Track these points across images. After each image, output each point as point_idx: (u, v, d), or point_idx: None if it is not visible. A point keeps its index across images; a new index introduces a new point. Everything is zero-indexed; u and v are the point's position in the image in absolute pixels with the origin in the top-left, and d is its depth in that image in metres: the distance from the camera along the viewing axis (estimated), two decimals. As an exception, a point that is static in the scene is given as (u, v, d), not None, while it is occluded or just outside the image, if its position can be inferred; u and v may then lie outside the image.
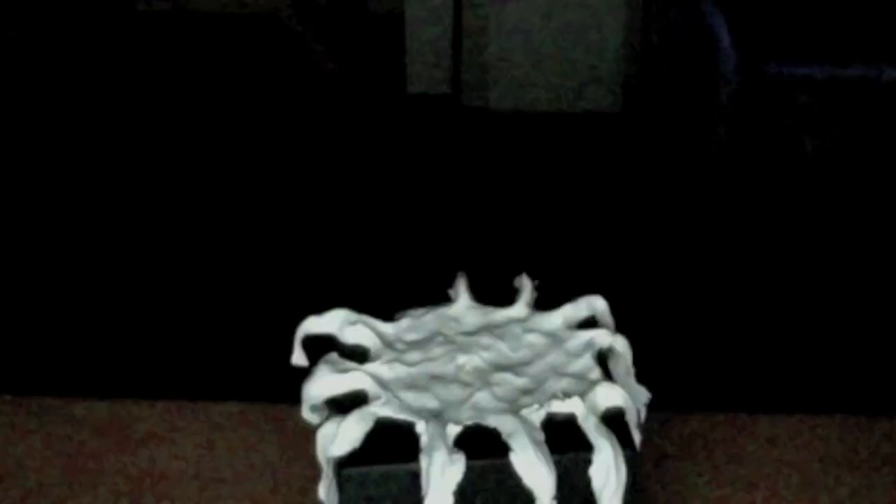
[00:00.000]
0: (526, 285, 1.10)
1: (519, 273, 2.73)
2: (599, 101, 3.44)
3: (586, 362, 0.98)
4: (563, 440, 0.93)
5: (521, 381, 0.95)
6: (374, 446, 0.92)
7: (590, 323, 1.04)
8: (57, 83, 3.58)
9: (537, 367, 0.98)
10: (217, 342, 2.48)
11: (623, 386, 0.96)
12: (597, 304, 1.03)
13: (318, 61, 3.64)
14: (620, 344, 0.98)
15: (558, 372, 0.97)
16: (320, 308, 2.62)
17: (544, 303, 1.08)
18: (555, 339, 1.02)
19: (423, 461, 0.88)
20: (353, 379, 0.97)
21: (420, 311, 1.07)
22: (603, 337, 1.00)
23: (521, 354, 1.00)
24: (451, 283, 2.77)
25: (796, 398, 2.28)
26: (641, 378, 2.35)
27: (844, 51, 2.83)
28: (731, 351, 2.46)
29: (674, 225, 2.92)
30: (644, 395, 0.95)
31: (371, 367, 0.99)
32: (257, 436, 1.21)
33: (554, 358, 0.99)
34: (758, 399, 2.28)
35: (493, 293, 1.22)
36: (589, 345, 1.00)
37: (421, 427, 0.91)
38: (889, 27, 2.94)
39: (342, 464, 0.90)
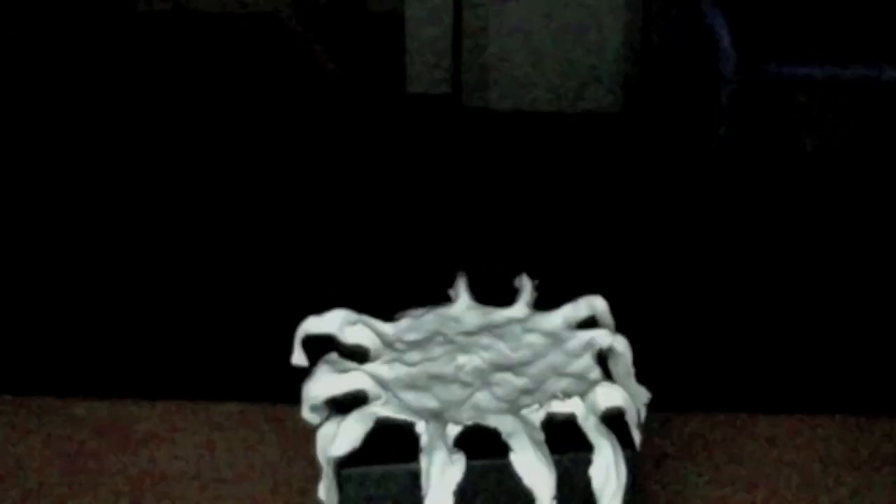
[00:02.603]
0: (526, 285, 1.10)
1: (519, 273, 2.73)
2: (599, 101, 3.44)
3: (586, 362, 0.98)
4: (563, 440, 0.93)
5: (521, 382, 0.95)
6: (373, 446, 0.92)
7: (590, 323, 1.04)
8: (57, 83, 3.58)
9: (537, 367, 0.98)
10: (217, 342, 2.48)
11: (623, 386, 0.96)
12: (597, 304, 1.03)
13: (318, 61, 3.65)
14: (620, 344, 0.98)
15: (558, 372, 0.97)
16: (320, 308, 2.62)
17: (544, 303, 1.08)
18: (555, 339, 1.02)
19: (423, 461, 0.88)
20: (353, 379, 0.97)
21: (420, 311, 1.07)
22: (603, 337, 1.00)
23: (521, 354, 1.00)
24: (451, 282, 2.77)
25: (796, 398, 2.28)
26: (641, 378, 2.35)
27: (844, 51, 2.83)
28: (731, 351, 2.46)
29: (673, 224, 2.92)
30: (644, 395, 0.95)
31: (371, 367, 0.99)
32: (258, 436, 1.21)
33: (554, 358, 0.99)
34: (758, 399, 2.28)
35: (493, 293, 1.22)
36: (589, 345, 1.00)
37: (421, 427, 0.92)
38: (889, 27, 2.94)
39: (342, 464, 0.90)
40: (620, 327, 2.53)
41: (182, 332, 2.51)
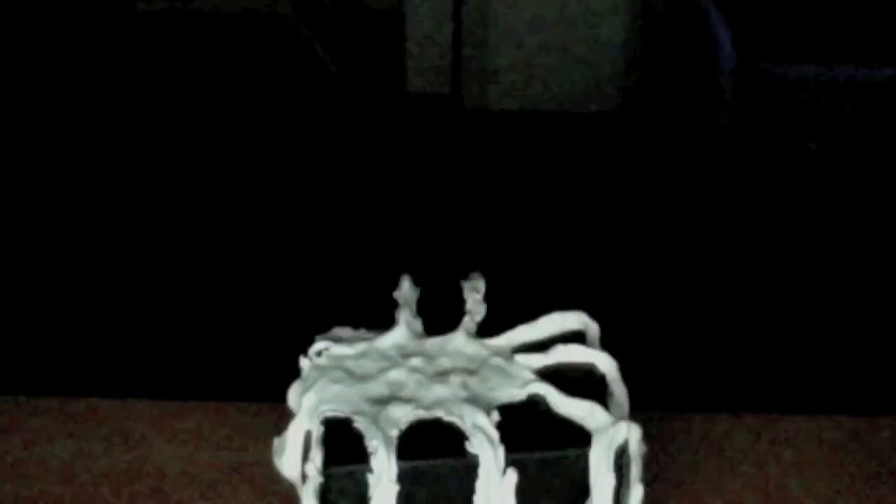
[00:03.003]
0: (475, 307, 1.07)
1: (518, 273, 2.73)
2: (599, 101, 3.44)
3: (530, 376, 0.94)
4: (559, 435, 0.92)
5: (465, 393, 0.92)
6: (361, 446, 0.92)
7: (579, 336, 1.01)
8: (57, 83, 3.58)
9: (482, 374, 0.94)
10: (216, 342, 2.48)
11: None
12: (589, 325, 0.99)
13: (318, 60, 3.64)
14: (620, 392, 0.94)
15: (510, 375, 0.93)
16: (318, 308, 2.62)
17: (542, 301, 1.07)
18: (506, 355, 0.98)
19: (374, 467, 0.87)
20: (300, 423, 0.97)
21: (357, 332, 1.06)
22: (605, 366, 0.95)
23: (463, 363, 0.96)
24: (450, 283, 2.76)
25: (796, 398, 2.28)
26: (641, 377, 2.35)
27: (843, 51, 2.83)
28: (731, 351, 2.46)
29: (674, 224, 2.92)
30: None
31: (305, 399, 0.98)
32: (257, 436, 1.21)
33: (501, 363, 0.95)
34: (758, 399, 2.27)
35: (490, 293, 1.22)
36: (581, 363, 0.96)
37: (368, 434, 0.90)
38: (888, 27, 2.94)
39: (329, 463, 0.90)
40: (621, 327, 2.52)
41: (180, 332, 2.51)
